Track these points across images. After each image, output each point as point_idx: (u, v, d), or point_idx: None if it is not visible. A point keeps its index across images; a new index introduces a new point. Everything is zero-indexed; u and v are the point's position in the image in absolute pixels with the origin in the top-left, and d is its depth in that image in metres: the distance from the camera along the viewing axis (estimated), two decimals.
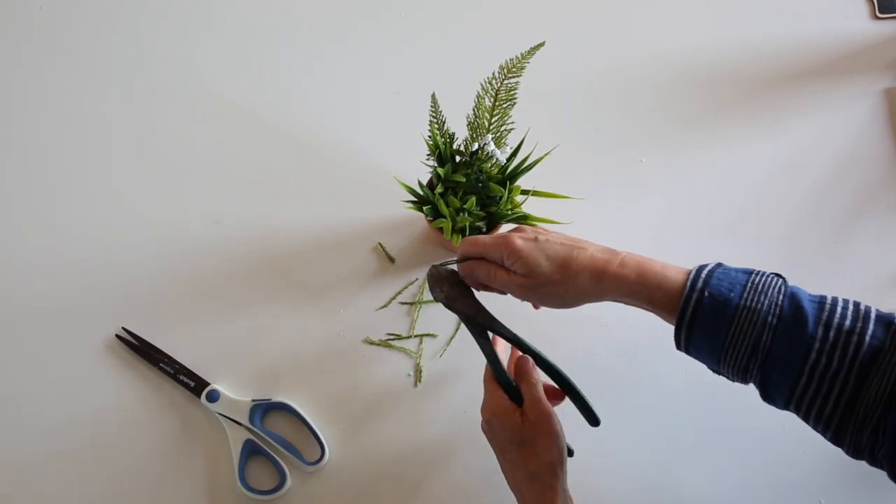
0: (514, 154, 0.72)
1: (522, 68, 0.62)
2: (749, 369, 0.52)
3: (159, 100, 0.86)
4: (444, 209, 0.69)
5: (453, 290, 0.64)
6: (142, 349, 0.74)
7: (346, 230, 0.80)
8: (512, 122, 0.67)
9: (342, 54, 0.88)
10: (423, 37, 0.89)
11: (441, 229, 0.69)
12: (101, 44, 0.88)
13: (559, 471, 0.60)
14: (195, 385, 0.73)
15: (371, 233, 0.80)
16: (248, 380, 0.74)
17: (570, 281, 0.56)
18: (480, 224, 0.71)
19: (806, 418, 0.51)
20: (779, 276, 0.53)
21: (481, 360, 0.63)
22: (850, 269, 0.79)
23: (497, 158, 0.69)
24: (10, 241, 0.79)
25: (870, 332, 0.49)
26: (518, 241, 0.58)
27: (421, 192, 0.71)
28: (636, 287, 0.55)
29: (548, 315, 0.67)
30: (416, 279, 0.78)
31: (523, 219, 0.71)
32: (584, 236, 0.59)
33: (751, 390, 0.54)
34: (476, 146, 0.68)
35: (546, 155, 0.71)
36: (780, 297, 0.51)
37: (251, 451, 0.71)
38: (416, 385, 0.75)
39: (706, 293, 0.52)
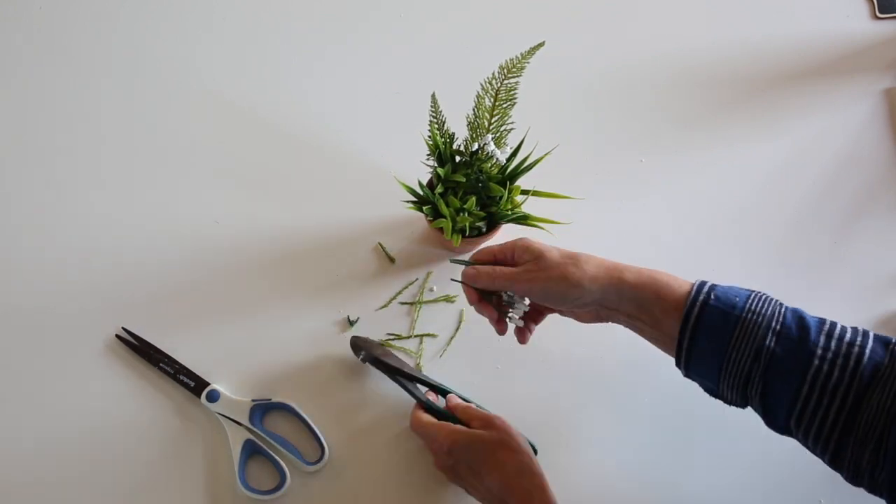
0: (514, 154, 0.72)
1: (522, 68, 0.62)
2: (751, 377, 0.52)
3: (159, 100, 0.86)
4: (444, 209, 0.69)
5: (376, 351, 0.72)
6: (142, 349, 0.74)
7: (346, 230, 0.80)
8: (512, 122, 0.67)
9: (342, 54, 0.88)
10: (422, 37, 0.89)
11: (441, 229, 0.69)
12: (101, 44, 0.88)
13: (537, 462, 0.63)
14: (195, 385, 0.73)
15: (371, 233, 0.80)
16: (248, 380, 0.74)
17: (578, 264, 0.58)
18: (480, 224, 0.71)
19: (806, 435, 0.52)
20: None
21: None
22: (850, 269, 0.79)
23: (497, 158, 0.69)
24: (11, 241, 0.79)
25: (870, 346, 0.50)
26: (529, 238, 0.63)
27: (421, 192, 0.71)
28: (645, 280, 0.56)
29: (548, 321, 0.67)
30: (416, 279, 0.78)
31: (523, 219, 0.71)
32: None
33: None
34: (476, 146, 0.68)
35: (546, 155, 0.71)
36: (783, 308, 0.53)
37: (251, 451, 0.71)
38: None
39: (712, 296, 0.54)
